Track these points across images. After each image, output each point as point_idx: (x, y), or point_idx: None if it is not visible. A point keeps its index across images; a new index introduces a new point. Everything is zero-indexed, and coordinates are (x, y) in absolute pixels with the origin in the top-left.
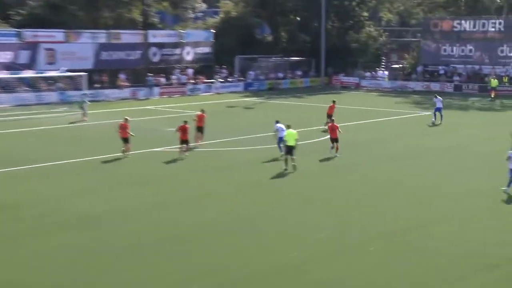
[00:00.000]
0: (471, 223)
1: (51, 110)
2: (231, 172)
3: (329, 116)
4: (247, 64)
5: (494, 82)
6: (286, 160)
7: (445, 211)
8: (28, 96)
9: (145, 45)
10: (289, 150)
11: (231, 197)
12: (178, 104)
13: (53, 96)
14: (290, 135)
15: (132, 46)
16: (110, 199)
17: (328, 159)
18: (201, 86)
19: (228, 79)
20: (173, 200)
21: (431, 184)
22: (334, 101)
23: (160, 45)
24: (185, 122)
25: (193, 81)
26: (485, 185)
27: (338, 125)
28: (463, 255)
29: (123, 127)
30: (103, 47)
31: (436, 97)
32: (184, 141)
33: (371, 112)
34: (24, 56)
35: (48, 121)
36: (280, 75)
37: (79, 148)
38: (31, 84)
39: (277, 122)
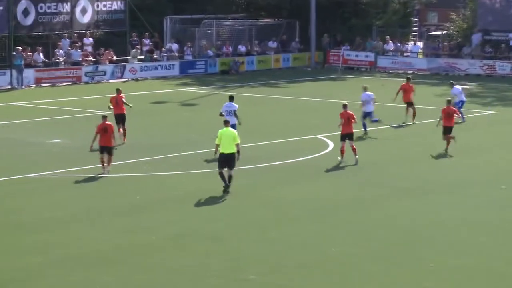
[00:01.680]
0: None
1: None
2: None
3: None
4: (185, 31)
5: None
6: (221, 174)
7: None
8: None
9: None
10: (226, 160)
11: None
12: (68, 98)
13: None
14: (227, 136)
15: None
16: None
17: (346, 182)
18: (107, 67)
19: (154, 56)
20: None
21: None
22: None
23: None
24: (105, 117)
25: (93, 59)
26: None
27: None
28: None
29: None
30: None
31: (453, 85)
32: (105, 148)
33: (398, 111)
34: None
35: None
36: (242, 49)
37: None
38: None
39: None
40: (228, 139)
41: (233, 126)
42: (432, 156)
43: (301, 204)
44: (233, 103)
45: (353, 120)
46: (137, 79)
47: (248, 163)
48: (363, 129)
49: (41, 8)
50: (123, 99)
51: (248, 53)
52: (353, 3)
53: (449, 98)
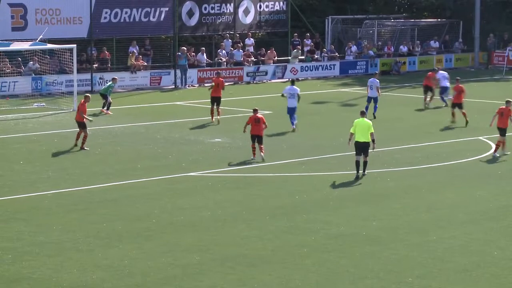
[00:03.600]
0: None
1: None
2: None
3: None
4: (346, 31)
5: None
6: (357, 163)
7: None
8: None
9: None
10: (361, 148)
11: None
12: (229, 98)
13: (22, 83)
14: (362, 126)
15: (152, 1)
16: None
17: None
18: (269, 67)
19: (315, 56)
20: None
21: None
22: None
23: None
24: (256, 110)
25: (254, 59)
26: None
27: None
28: None
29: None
30: (104, 1)
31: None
32: (256, 136)
33: None
34: None
35: (13, 126)
36: (404, 49)
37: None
38: None
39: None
40: (363, 129)
41: (295, 109)
42: None
43: (461, 207)
44: (295, 87)
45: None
46: (297, 79)
47: (407, 165)
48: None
49: (205, 9)
50: (223, 83)
51: (409, 54)
52: None
53: None
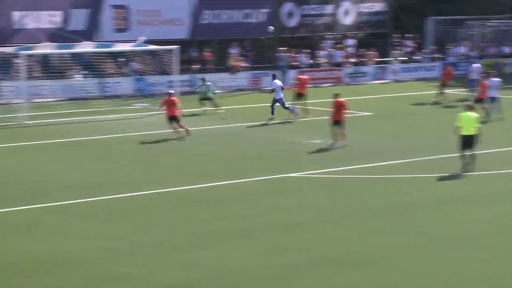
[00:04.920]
0: None
1: (119, 108)
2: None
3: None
4: (447, 32)
5: None
6: (462, 157)
7: None
8: (86, 84)
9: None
10: (466, 141)
11: None
12: (329, 100)
13: (124, 84)
14: (467, 119)
15: (252, 2)
16: None
17: None
18: (368, 68)
19: (414, 57)
20: None
21: None
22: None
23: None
24: (336, 95)
25: (354, 60)
26: None
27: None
28: None
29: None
30: (204, 2)
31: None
32: (337, 122)
33: None
34: (78, 19)
35: (116, 126)
36: (506, 50)
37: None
38: (91, 65)
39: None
40: (468, 122)
41: (280, 100)
42: None
43: None
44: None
45: None
46: (397, 80)
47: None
48: None
49: (305, 10)
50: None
51: None
52: None
53: None
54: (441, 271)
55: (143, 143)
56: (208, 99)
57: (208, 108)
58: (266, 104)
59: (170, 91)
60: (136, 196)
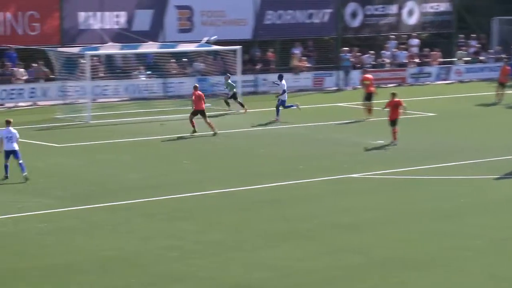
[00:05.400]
0: None
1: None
2: None
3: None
4: None
5: None
6: None
7: None
8: (149, 84)
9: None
10: None
11: None
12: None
13: (188, 84)
14: None
15: (315, 2)
16: None
17: None
18: (432, 69)
19: (480, 58)
20: None
21: None
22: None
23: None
24: (394, 94)
25: (418, 61)
26: None
27: None
28: None
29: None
30: (268, 3)
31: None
32: (394, 121)
33: None
34: (143, 19)
35: (179, 126)
36: None
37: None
38: (155, 65)
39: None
40: None
41: (284, 101)
42: None
43: None
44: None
45: None
46: (461, 81)
47: None
48: None
49: (369, 10)
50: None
51: None
52: None
53: None
54: (507, 276)
55: (205, 142)
56: (234, 97)
57: (229, 108)
58: (328, 105)
59: (196, 85)
60: (199, 195)
